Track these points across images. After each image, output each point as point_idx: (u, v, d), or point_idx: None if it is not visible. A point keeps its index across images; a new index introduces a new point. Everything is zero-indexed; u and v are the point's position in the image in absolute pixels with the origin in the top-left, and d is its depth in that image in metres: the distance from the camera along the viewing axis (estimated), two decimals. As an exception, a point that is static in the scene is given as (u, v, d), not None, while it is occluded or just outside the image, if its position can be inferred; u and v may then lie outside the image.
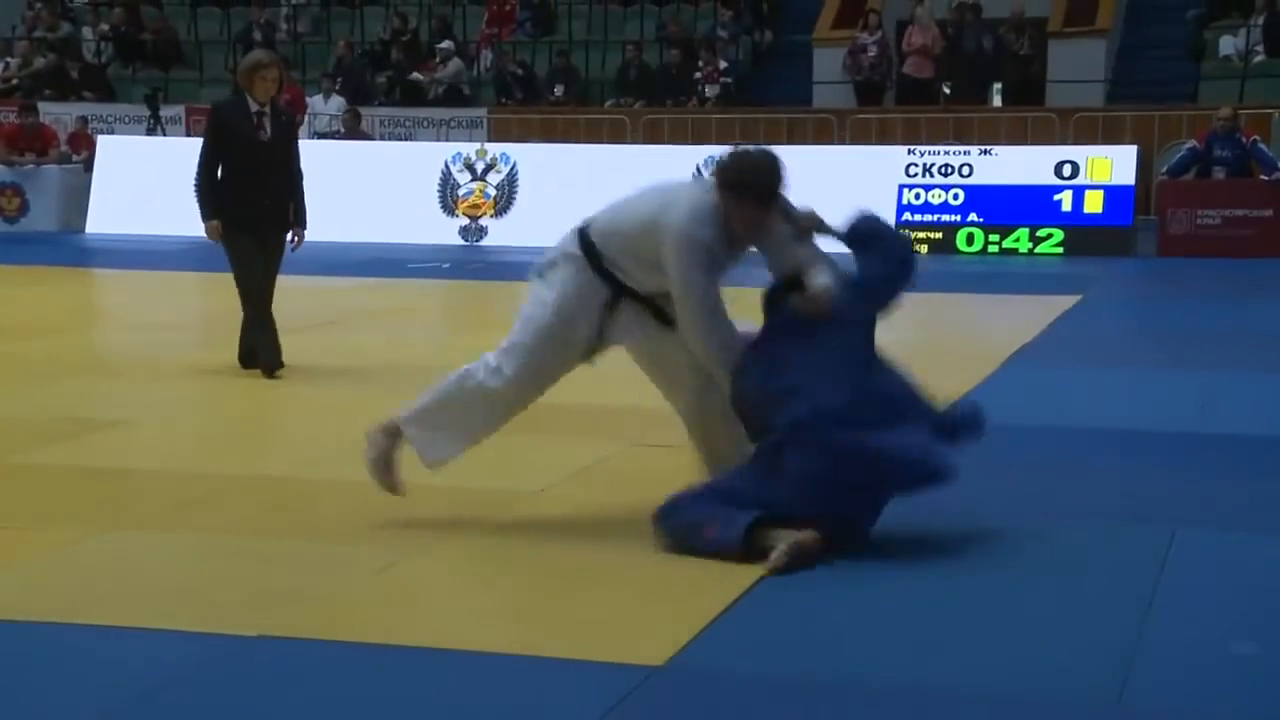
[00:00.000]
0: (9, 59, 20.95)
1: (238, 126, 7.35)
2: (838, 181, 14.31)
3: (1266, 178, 13.37)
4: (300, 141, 7.95)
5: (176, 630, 3.85)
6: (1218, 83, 17.35)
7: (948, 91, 18.09)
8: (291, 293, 11.70)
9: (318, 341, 8.47)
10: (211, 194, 7.36)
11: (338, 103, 18.21)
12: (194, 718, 3.35)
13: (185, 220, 15.72)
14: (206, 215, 7.37)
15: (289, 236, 7.55)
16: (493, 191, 15.43)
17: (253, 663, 3.65)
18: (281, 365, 7.43)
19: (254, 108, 7.33)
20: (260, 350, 7.41)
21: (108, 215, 16.29)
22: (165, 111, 19.12)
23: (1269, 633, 3.80)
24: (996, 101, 18.38)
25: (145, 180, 16.12)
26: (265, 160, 7.35)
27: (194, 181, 7.44)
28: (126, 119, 19.33)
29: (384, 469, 4.81)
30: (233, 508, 5.13)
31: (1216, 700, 3.41)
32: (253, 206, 7.31)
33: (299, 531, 4.83)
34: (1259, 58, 17.51)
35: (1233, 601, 4.05)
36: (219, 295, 12.17)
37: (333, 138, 17.04)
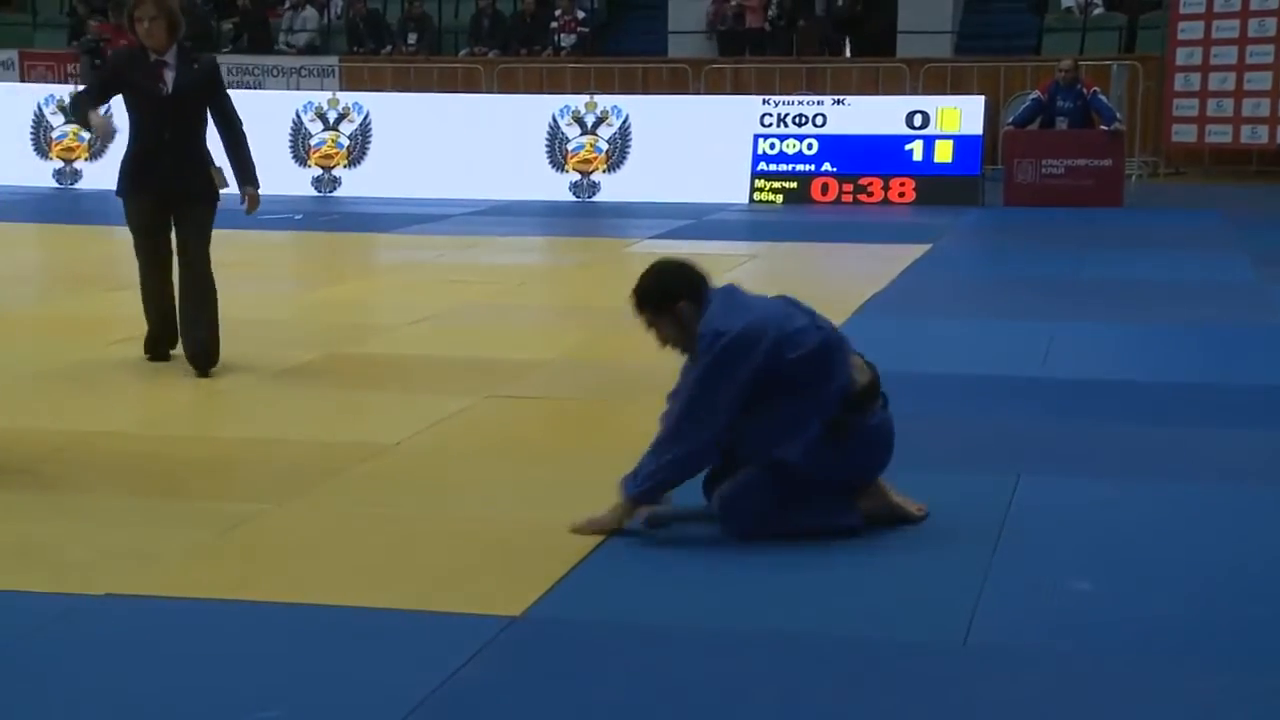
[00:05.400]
0: None
1: (133, 78, 6.37)
2: (695, 132, 14.46)
3: (1106, 128, 13.74)
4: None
5: (22, 590, 3.76)
6: (1059, 35, 17.76)
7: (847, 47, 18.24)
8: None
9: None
10: (83, 98, 6.42)
11: (181, 49, 17.73)
12: (43, 678, 3.28)
13: (20, 169, 15.47)
14: (80, 111, 6.41)
15: (240, 202, 6.56)
16: (346, 141, 15.19)
17: (102, 622, 3.58)
18: (213, 362, 6.47)
19: (153, 57, 6.33)
20: (190, 346, 6.45)
21: (-60, 164, 15.68)
22: (-2, 56, 18.48)
23: (1103, 571, 3.95)
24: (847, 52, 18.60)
25: (-21, 128, 15.59)
26: (166, 117, 6.34)
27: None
28: (-42, 64, 18.64)
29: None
30: (76, 465, 5.01)
31: (1055, 637, 3.53)
32: (151, 169, 6.36)
33: (146, 489, 4.74)
34: (1098, 10, 17.95)
35: (1072, 542, 4.19)
36: (58, 247, 11.86)
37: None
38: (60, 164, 15.70)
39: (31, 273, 10.46)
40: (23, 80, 18.13)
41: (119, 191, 6.52)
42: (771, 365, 4.12)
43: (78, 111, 6.51)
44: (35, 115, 15.76)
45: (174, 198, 6.42)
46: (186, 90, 6.39)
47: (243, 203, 6.58)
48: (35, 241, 12.30)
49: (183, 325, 6.52)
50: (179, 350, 6.61)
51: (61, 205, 14.32)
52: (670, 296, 4.27)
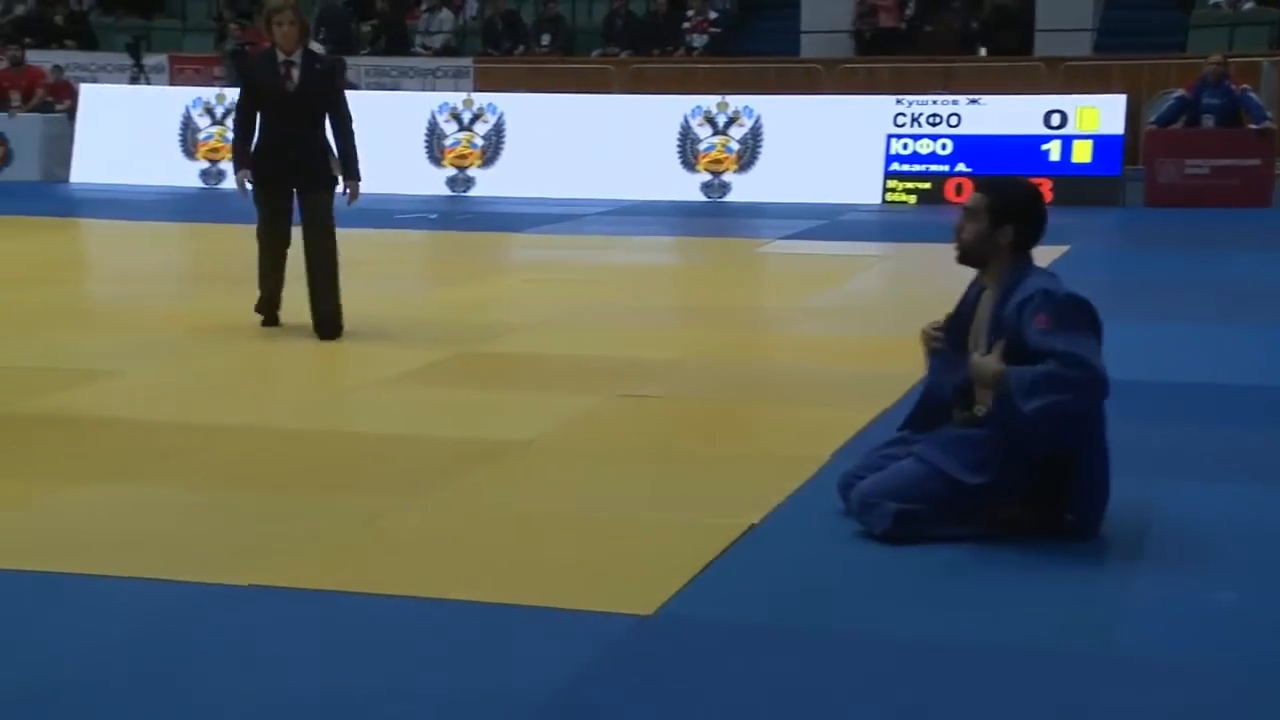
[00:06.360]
0: (-9, 6, 20.80)
1: (262, 77, 7.15)
2: (827, 132, 14.37)
3: (1255, 126, 13.35)
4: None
5: (166, 580, 3.86)
6: (1207, 31, 17.30)
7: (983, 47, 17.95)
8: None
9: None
10: (240, 145, 7.27)
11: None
12: (186, 665, 3.36)
13: (169, 170, 15.93)
14: (235, 166, 7.38)
15: (341, 190, 7.21)
16: (480, 142, 15.36)
17: (244, 612, 3.66)
18: (338, 330, 7.15)
19: (282, 57, 7.10)
20: (318, 316, 7.15)
21: (91, 165, 16.21)
22: (148, 60, 19.00)
23: (1249, 581, 3.84)
24: (982, 51, 18.31)
25: (129, 130, 16.08)
26: (291, 111, 7.09)
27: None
28: (109, 67, 19.20)
29: None
30: (218, 458, 5.13)
31: (1199, 648, 3.43)
32: (278, 159, 7.10)
33: (285, 482, 4.83)
34: (1248, 5, 17.45)
35: (1216, 551, 4.08)
36: (203, 245, 12.17)
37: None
38: (206, 164, 16.11)
39: (174, 270, 10.75)
40: (171, 84, 18.65)
41: (252, 177, 7.24)
42: None
43: (234, 158, 7.43)
44: (183, 118, 16.20)
45: (297, 186, 7.15)
46: (308, 88, 7.13)
47: (344, 193, 7.23)
48: (180, 240, 12.64)
49: (312, 298, 7.21)
50: (310, 334, 7.09)
51: (206, 205, 14.69)
52: (1010, 212, 4.20)
